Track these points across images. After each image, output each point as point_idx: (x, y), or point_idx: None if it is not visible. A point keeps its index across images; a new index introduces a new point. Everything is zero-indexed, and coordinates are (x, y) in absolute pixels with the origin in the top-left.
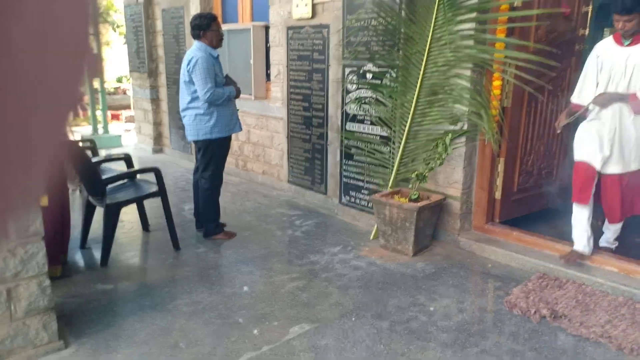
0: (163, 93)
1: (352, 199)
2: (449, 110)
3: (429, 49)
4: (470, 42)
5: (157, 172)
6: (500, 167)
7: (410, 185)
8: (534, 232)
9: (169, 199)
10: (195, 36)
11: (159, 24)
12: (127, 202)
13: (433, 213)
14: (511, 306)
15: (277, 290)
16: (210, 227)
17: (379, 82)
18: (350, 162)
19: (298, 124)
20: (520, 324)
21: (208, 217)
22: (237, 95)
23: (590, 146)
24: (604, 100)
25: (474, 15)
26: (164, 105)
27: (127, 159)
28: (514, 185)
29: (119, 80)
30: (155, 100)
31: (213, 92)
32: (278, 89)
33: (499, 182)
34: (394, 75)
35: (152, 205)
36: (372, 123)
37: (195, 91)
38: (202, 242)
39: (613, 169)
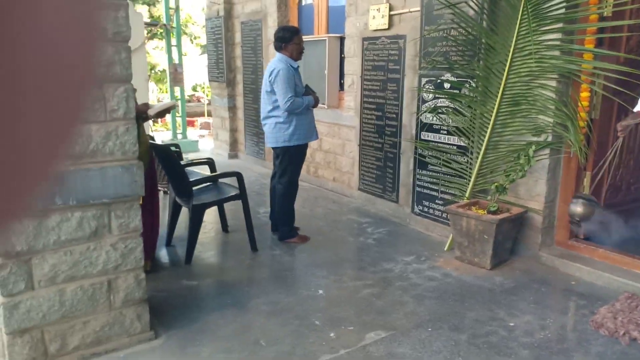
0: (240, 102)
1: (425, 209)
2: (532, 121)
3: (511, 59)
4: (556, 53)
5: (239, 177)
6: (587, 181)
7: (488, 197)
8: (621, 250)
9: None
10: (278, 48)
11: (237, 36)
12: (211, 204)
13: (513, 226)
14: (597, 326)
15: (351, 296)
16: (286, 231)
17: (457, 91)
18: (424, 172)
19: (370, 133)
20: (608, 345)
21: (283, 221)
22: (316, 105)
23: None
24: None
25: (560, 25)
26: (240, 113)
27: (210, 163)
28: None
29: (194, 89)
30: (232, 109)
31: (293, 101)
32: (351, 98)
33: None
34: (473, 85)
35: (230, 208)
36: (448, 133)
37: (276, 100)
38: (278, 245)
39: None
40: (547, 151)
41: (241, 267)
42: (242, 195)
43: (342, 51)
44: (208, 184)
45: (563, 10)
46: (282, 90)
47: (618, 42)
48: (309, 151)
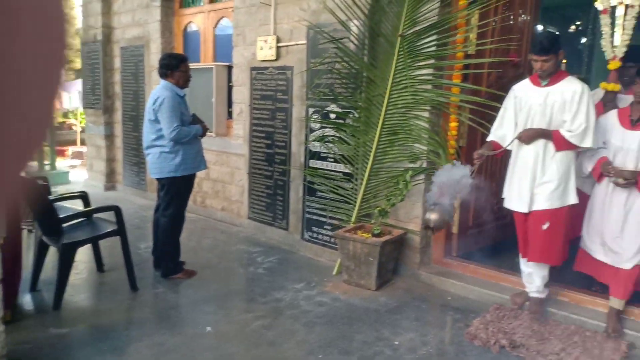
0: (118, 129)
1: (315, 235)
2: (409, 149)
3: (389, 92)
4: (428, 87)
5: (117, 211)
6: (456, 203)
7: (372, 221)
8: (489, 265)
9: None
10: (163, 75)
11: (117, 62)
12: (84, 242)
13: (395, 247)
14: (472, 337)
15: (241, 330)
16: (170, 266)
17: (342, 121)
18: (313, 198)
19: (260, 161)
20: (482, 355)
21: (168, 256)
22: (204, 134)
23: (516, 191)
24: (530, 135)
25: (431, 62)
26: (119, 142)
27: (84, 197)
28: (469, 219)
29: (66, 115)
30: (109, 137)
31: (179, 130)
32: (240, 127)
33: (455, 217)
34: (356, 115)
35: (107, 245)
36: (335, 160)
37: (160, 129)
38: (161, 282)
39: (538, 205)
40: (422, 176)
41: (119, 308)
42: (120, 231)
43: (229, 80)
44: (81, 219)
45: (434, 48)
46: (167, 119)
47: (480, 77)
48: (196, 180)
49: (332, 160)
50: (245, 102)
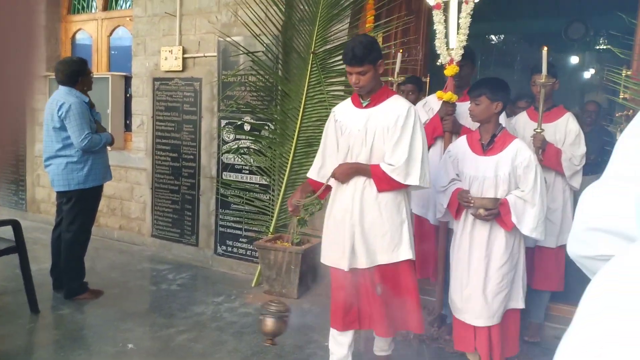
0: None
1: (229, 248)
2: None
3: (304, 105)
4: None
5: (16, 225)
6: None
7: (291, 231)
8: None
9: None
10: (73, 82)
11: None
12: None
13: (315, 255)
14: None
15: (166, 345)
16: (74, 286)
17: (257, 133)
18: (227, 211)
19: (165, 175)
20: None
21: (71, 276)
22: (112, 142)
23: (334, 242)
24: (343, 171)
25: (343, 79)
26: None
27: None
28: None
29: None
30: None
31: (90, 138)
32: (141, 139)
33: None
34: (272, 127)
35: None
36: (250, 172)
37: (67, 138)
38: (64, 303)
39: (361, 262)
40: None
41: (22, 332)
42: (19, 248)
43: (126, 90)
44: None
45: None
46: (77, 127)
47: None
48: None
49: (247, 172)
50: (147, 113)
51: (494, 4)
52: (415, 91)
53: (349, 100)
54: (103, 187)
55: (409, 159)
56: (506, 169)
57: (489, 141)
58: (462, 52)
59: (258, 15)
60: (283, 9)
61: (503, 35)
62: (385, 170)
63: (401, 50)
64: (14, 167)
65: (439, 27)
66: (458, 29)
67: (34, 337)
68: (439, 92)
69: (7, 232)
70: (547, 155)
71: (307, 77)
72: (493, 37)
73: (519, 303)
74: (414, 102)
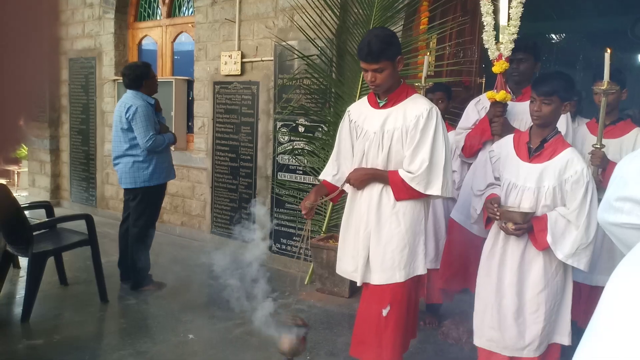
0: (65, 143)
1: (284, 247)
2: None
3: None
4: None
5: (89, 219)
6: None
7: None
8: None
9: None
10: (138, 86)
11: (64, 73)
12: (55, 251)
13: None
14: (444, 337)
15: (224, 336)
16: (140, 278)
17: (311, 134)
18: (281, 210)
19: (224, 174)
20: (458, 352)
21: (138, 268)
22: (175, 142)
23: (350, 251)
24: (359, 177)
25: None
26: (65, 156)
27: (47, 207)
28: None
29: None
30: (54, 151)
31: (155, 139)
32: (202, 140)
33: None
34: (325, 129)
35: (66, 259)
36: (304, 172)
37: (133, 138)
38: (131, 294)
39: (375, 278)
40: None
41: (93, 320)
42: (91, 241)
43: (188, 94)
44: (44, 230)
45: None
46: (142, 129)
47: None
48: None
49: (301, 172)
50: (207, 115)
51: (555, 2)
52: (445, 100)
53: (364, 100)
54: (167, 185)
55: (430, 166)
56: (551, 181)
57: (538, 145)
58: (512, 46)
59: (313, 20)
60: (337, 13)
61: (564, 34)
62: (404, 178)
63: (428, 54)
64: (85, 165)
65: (487, 19)
66: (508, 21)
67: (103, 325)
68: (489, 92)
69: (79, 226)
70: (608, 175)
71: (360, 80)
72: (554, 36)
73: (565, 339)
74: (443, 112)
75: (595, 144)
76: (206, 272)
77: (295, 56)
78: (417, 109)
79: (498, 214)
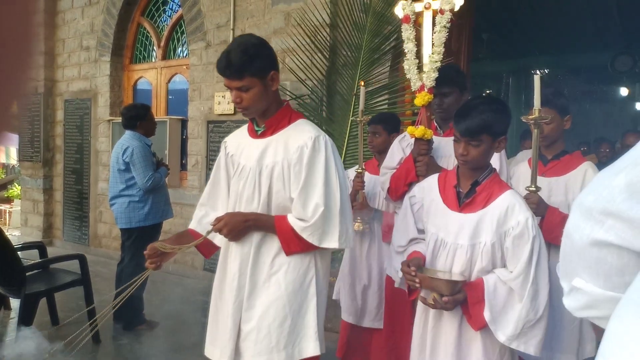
0: (58, 183)
1: None
2: None
3: (346, 145)
4: None
5: (82, 259)
6: None
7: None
8: None
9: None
10: (132, 126)
11: (59, 114)
12: (49, 292)
13: None
14: None
15: None
16: (134, 317)
17: None
18: None
19: None
20: None
21: (132, 307)
22: (168, 172)
23: (216, 330)
24: (235, 226)
25: None
26: (58, 196)
27: (40, 247)
28: None
29: None
30: (48, 191)
31: (154, 179)
32: (196, 178)
33: None
34: None
35: (58, 299)
36: None
37: (130, 178)
38: (123, 334)
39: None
40: None
41: None
42: (84, 281)
43: (183, 132)
44: (36, 270)
45: (386, 106)
46: (141, 169)
47: None
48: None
49: None
50: (201, 153)
51: (538, 38)
52: (384, 133)
53: (244, 127)
54: (162, 223)
55: (325, 212)
56: (489, 236)
57: (469, 190)
58: (435, 75)
59: (304, 62)
60: (327, 56)
61: (547, 70)
62: (294, 226)
63: (362, 83)
64: (79, 204)
65: (408, 46)
66: (432, 47)
67: None
68: (410, 127)
69: (72, 265)
70: (547, 224)
71: (350, 118)
72: (538, 71)
73: None
74: (382, 146)
75: (530, 186)
76: (199, 310)
77: (288, 97)
78: (300, 138)
79: (417, 281)
